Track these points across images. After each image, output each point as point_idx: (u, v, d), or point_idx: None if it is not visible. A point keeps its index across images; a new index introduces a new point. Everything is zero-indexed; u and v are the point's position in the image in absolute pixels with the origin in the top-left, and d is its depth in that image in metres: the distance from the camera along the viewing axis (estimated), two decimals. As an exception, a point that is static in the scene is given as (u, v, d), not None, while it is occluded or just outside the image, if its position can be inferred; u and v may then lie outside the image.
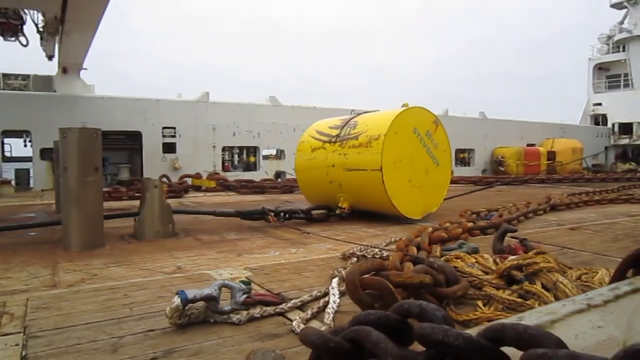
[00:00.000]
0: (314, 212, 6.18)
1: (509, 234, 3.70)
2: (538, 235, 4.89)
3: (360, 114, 7.02)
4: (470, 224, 4.84)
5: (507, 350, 0.81)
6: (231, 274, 3.29)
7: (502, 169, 19.55)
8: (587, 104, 27.71)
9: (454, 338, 0.81)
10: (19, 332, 2.22)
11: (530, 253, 2.98)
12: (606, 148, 25.65)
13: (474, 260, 3.11)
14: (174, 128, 14.55)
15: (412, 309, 0.99)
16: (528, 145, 21.30)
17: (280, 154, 16.66)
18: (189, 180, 11.98)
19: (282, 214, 5.84)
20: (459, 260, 3.12)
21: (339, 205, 6.31)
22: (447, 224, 4.64)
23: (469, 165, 20.37)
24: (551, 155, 20.71)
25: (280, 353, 1.14)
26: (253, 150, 16.30)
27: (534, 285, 2.50)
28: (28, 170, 13.81)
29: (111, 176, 13.59)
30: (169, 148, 14.52)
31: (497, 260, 3.05)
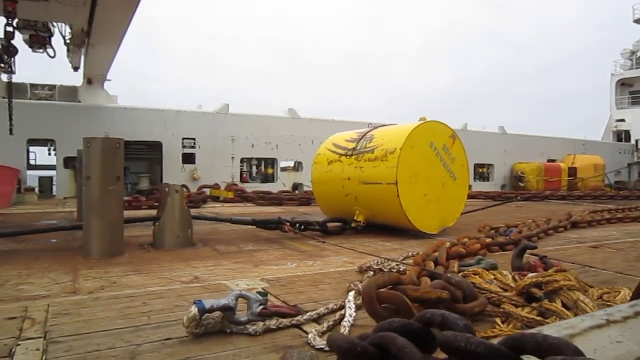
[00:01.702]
0: (329, 224, 6.18)
1: (528, 251, 3.65)
2: (558, 252, 4.81)
3: (377, 127, 7.03)
4: (488, 240, 4.78)
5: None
6: (248, 285, 3.31)
7: (521, 184, 19.30)
8: (609, 120, 27.27)
9: (475, 345, 0.83)
10: (40, 337, 2.26)
11: (550, 270, 2.94)
12: (629, 165, 25.14)
13: (492, 277, 3.08)
14: (194, 139, 14.76)
15: (434, 317, 1.01)
16: (549, 160, 21.02)
17: (297, 166, 16.74)
18: (208, 191, 12.11)
19: (297, 224, 5.87)
20: (477, 277, 3.08)
21: (355, 218, 6.30)
22: (465, 239, 4.59)
23: (488, 180, 20.17)
24: (572, 171, 20.39)
25: (315, 353, 1.14)
26: (271, 162, 16.41)
27: (554, 304, 2.46)
28: (51, 178, 14.12)
29: (131, 185, 13.82)
30: (189, 158, 14.72)
31: (516, 277, 3.01)
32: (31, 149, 14.13)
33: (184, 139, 14.65)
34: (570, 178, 19.87)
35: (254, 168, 16.53)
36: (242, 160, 15.83)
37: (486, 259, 3.94)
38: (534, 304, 2.52)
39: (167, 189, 5.14)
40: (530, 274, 2.87)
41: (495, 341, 0.88)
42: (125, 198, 7.34)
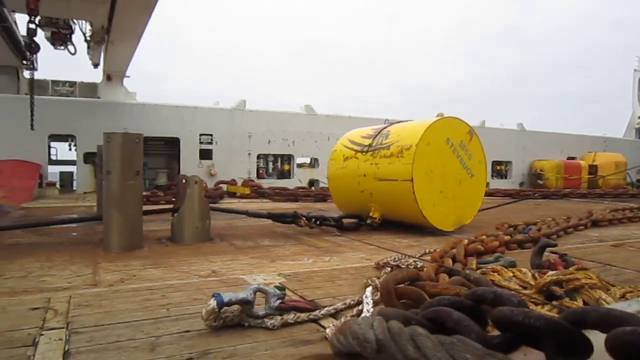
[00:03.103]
0: (345, 220, 6.17)
1: (548, 249, 3.60)
2: (579, 251, 4.74)
3: (393, 123, 6.99)
4: (507, 237, 4.73)
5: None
6: (265, 280, 3.33)
7: (540, 182, 19.02)
8: (631, 117, 26.66)
9: (535, 319, 0.79)
10: (62, 328, 2.30)
11: (570, 269, 2.89)
12: None
13: (511, 274, 3.04)
14: (211, 135, 14.86)
15: (485, 294, 0.98)
16: (568, 158, 20.67)
17: (314, 163, 16.74)
18: (224, 187, 12.18)
19: (313, 219, 5.89)
20: (495, 274, 3.05)
21: (370, 214, 6.28)
22: (483, 237, 4.54)
23: (506, 177, 19.92)
24: (593, 169, 20.02)
25: (380, 318, 1.10)
26: (287, 158, 16.44)
27: (575, 302, 2.43)
28: (72, 173, 14.36)
29: (149, 181, 13.99)
30: (206, 154, 14.83)
31: (536, 274, 2.97)
32: (52, 144, 14.37)
33: (201, 135, 14.76)
34: (591, 176, 19.52)
35: (270, 164, 16.59)
36: (258, 157, 15.89)
37: (505, 256, 3.89)
38: (554, 302, 2.48)
39: (184, 181, 5.19)
40: (551, 272, 2.83)
41: (552, 314, 0.84)
42: (144, 193, 7.45)
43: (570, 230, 6.10)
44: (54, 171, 14.41)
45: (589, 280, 2.55)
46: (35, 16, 9.40)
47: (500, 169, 19.99)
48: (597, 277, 2.69)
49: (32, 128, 11.74)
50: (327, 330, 2.21)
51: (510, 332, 0.83)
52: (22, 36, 11.52)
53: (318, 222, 5.92)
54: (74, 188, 14.01)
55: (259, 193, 11.75)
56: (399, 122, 7.09)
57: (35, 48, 10.56)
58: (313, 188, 13.93)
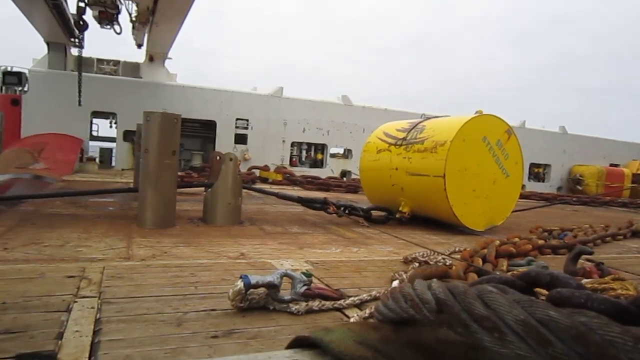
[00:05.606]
0: (374, 212, 6.14)
1: (584, 256, 3.49)
2: (616, 261, 4.57)
3: (429, 118, 6.88)
4: (541, 242, 4.60)
5: None
6: (292, 266, 3.35)
7: (579, 188, 18.43)
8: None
9: (599, 302, 0.73)
10: (95, 297, 2.38)
11: (606, 278, 2.79)
12: None
13: (543, 279, 2.96)
14: (247, 120, 15.01)
15: (540, 276, 0.91)
16: (611, 165, 19.93)
17: (347, 153, 16.71)
18: (257, 172, 12.32)
19: (342, 208, 5.89)
20: (526, 277, 2.98)
21: (400, 209, 6.22)
22: (516, 239, 4.44)
23: (543, 181, 19.40)
24: (636, 178, 19.24)
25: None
26: (321, 148, 16.47)
27: (609, 312, 2.34)
28: (111, 149, 14.82)
29: (184, 161, 14.29)
30: (241, 139, 15.02)
31: (569, 281, 2.88)
32: (94, 120, 14.84)
33: (237, 119, 14.94)
34: (634, 185, 18.77)
35: (303, 152, 16.66)
36: (292, 144, 15.97)
37: (537, 260, 3.80)
38: (586, 311, 2.40)
39: (219, 157, 5.28)
40: (585, 280, 2.75)
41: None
42: (179, 173, 7.61)
43: (608, 240, 5.88)
44: (94, 147, 14.91)
45: (626, 292, 2.45)
46: (85, -5, 9.66)
47: (538, 172, 19.47)
48: (635, 289, 2.59)
49: (79, 104, 12.15)
50: (351, 320, 2.21)
51: None
52: (72, 14, 11.89)
53: (347, 211, 5.91)
54: (113, 164, 14.46)
55: (290, 180, 11.83)
56: (435, 117, 6.97)
57: (84, 26, 10.90)
58: (345, 179, 13.91)
